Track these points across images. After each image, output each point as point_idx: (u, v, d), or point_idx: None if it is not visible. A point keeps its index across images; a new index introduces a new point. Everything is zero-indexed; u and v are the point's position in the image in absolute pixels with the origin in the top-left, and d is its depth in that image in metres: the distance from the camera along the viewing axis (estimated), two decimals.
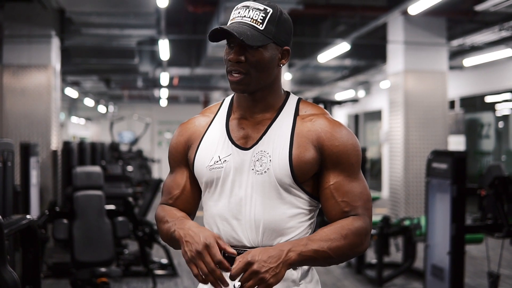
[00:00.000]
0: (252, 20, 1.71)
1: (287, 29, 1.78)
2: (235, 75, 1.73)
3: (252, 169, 1.75)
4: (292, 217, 1.75)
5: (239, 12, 1.74)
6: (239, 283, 1.60)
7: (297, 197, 1.75)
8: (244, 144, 1.78)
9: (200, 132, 1.86)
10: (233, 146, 1.79)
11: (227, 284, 1.63)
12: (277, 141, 1.75)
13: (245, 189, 1.75)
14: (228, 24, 1.73)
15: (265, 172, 1.73)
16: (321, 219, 5.34)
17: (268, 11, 1.72)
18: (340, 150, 1.74)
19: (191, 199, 1.89)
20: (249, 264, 1.60)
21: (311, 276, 1.81)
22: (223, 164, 1.78)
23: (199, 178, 1.84)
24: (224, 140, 1.80)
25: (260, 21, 1.71)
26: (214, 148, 1.81)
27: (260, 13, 1.72)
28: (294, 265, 1.65)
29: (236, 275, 1.60)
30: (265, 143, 1.76)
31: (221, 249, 1.65)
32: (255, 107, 1.81)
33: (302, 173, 1.73)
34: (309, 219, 1.79)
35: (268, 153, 1.74)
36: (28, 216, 3.01)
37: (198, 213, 1.91)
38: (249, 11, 1.73)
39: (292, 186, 1.74)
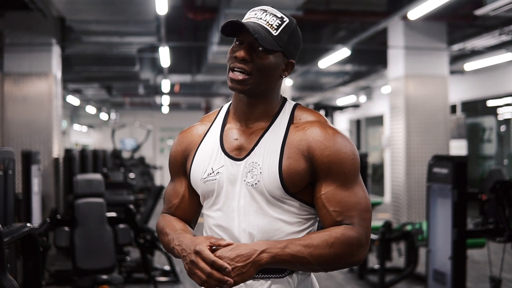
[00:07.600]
0: (268, 24, 1.71)
1: (297, 43, 1.78)
2: (237, 73, 1.71)
3: (244, 180, 1.73)
4: (287, 226, 1.72)
5: (255, 14, 1.73)
6: None
7: (291, 207, 1.73)
8: (237, 155, 1.77)
9: (197, 142, 1.85)
10: (226, 157, 1.77)
11: (232, 282, 1.59)
12: (268, 152, 1.73)
13: (238, 200, 1.74)
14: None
15: (255, 184, 1.71)
16: None
17: (284, 19, 1.73)
18: (331, 160, 1.69)
19: (190, 208, 1.89)
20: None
21: (309, 282, 1.78)
22: (216, 176, 1.77)
23: (196, 190, 1.84)
24: (217, 151, 1.79)
25: (275, 27, 1.71)
26: (207, 159, 1.80)
27: (276, 19, 1.72)
28: (266, 265, 1.63)
29: None
30: (257, 154, 1.74)
31: (215, 245, 1.64)
32: (251, 113, 1.79)
33: (293, 184, 1.70)
34: (308, 227, 1.76)
35: (259, 165, 1.72)
36: (28, 224, 3.01)
37: (200, 219, 1.91)
38: (266, 14, 1.73)
39: (284, 197, 1.71)
